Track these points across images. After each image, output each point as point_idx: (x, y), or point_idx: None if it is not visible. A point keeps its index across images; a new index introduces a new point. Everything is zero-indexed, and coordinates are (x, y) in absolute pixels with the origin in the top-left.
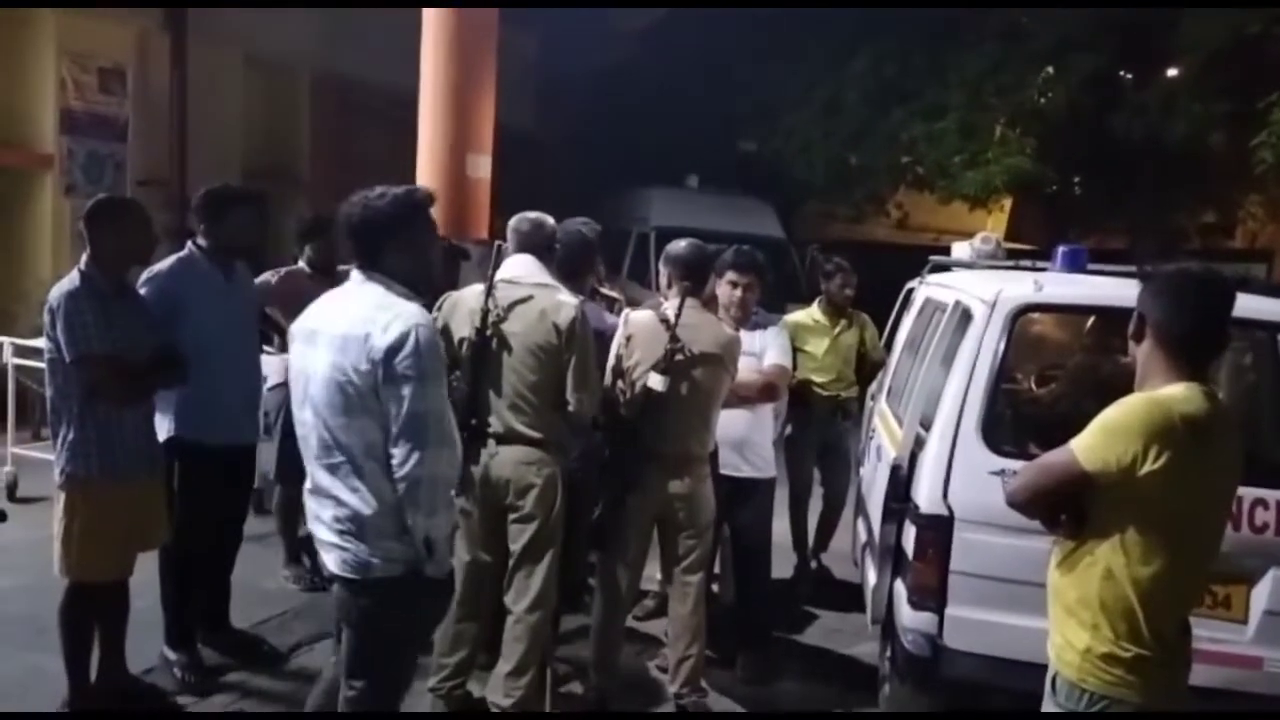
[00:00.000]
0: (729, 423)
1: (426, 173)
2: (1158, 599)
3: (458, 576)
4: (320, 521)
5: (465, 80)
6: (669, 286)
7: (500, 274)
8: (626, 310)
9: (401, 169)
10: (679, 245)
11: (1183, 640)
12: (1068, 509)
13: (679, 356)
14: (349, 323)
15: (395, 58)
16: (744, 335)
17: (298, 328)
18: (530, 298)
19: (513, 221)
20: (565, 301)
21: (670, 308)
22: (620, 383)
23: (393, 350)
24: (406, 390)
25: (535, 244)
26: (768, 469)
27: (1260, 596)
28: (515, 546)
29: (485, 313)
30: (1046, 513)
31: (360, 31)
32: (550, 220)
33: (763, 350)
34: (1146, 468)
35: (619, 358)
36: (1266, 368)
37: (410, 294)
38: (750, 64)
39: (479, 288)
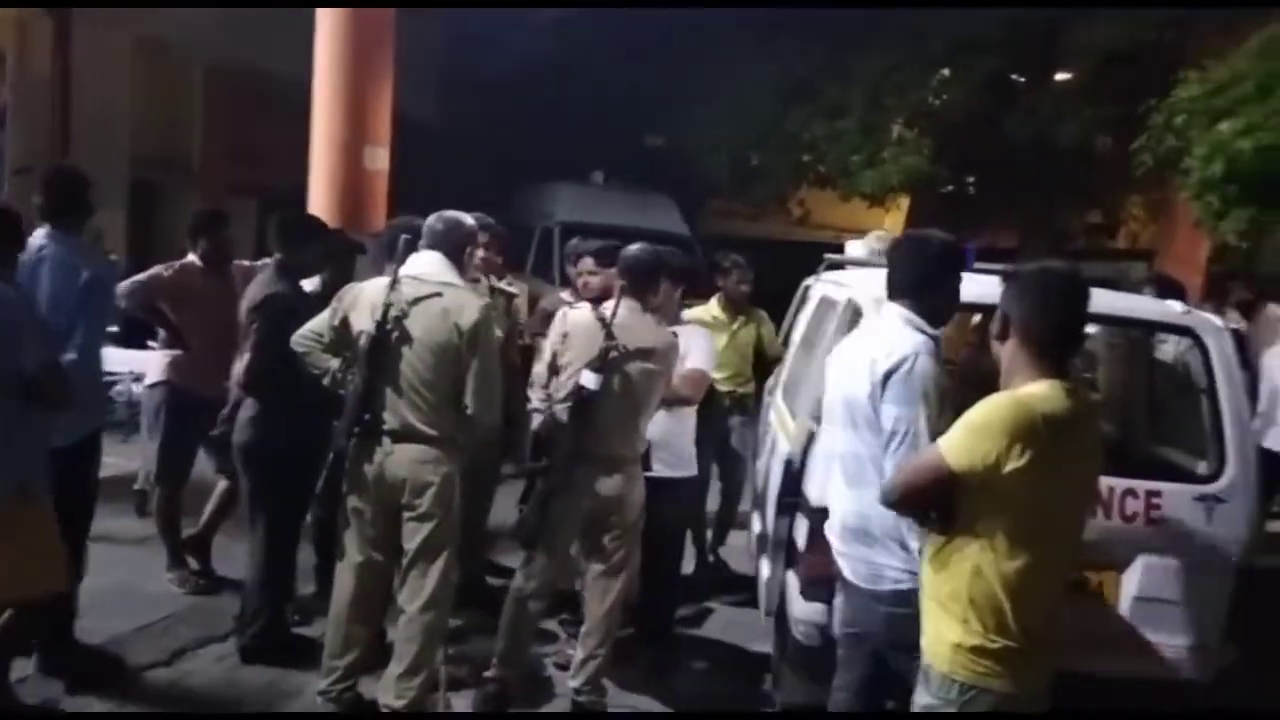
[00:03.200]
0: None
1: (321, 164)
2: (1024, 592)
3: (349, 578)
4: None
5: (361, 71)
6: (618, 284)
7: (405, 269)
8: (565, 307)
9: (299, 160)
10: (632, 249)
11: (1049, 629)
12: (937, 507)
13: (614, 355)
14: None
15: (293, 47)
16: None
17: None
18: (435, 295)
19: (429, 219)
20: (471, 302)
21: (607, 307)
22: (555, 379)
23: (889, 374)
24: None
25: (447, 243)
26: (685, 468)
27: (1130, 583)
28: (410, 545)
29: (387, 307)
30: (917, 511)
31: (258, 19)
32: (469, 221)
33: (686, 352)
34: (1010, 466)
35: (554, 354)
36: (1139, 364)
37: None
38: (658, 61)
39: (381, 281)
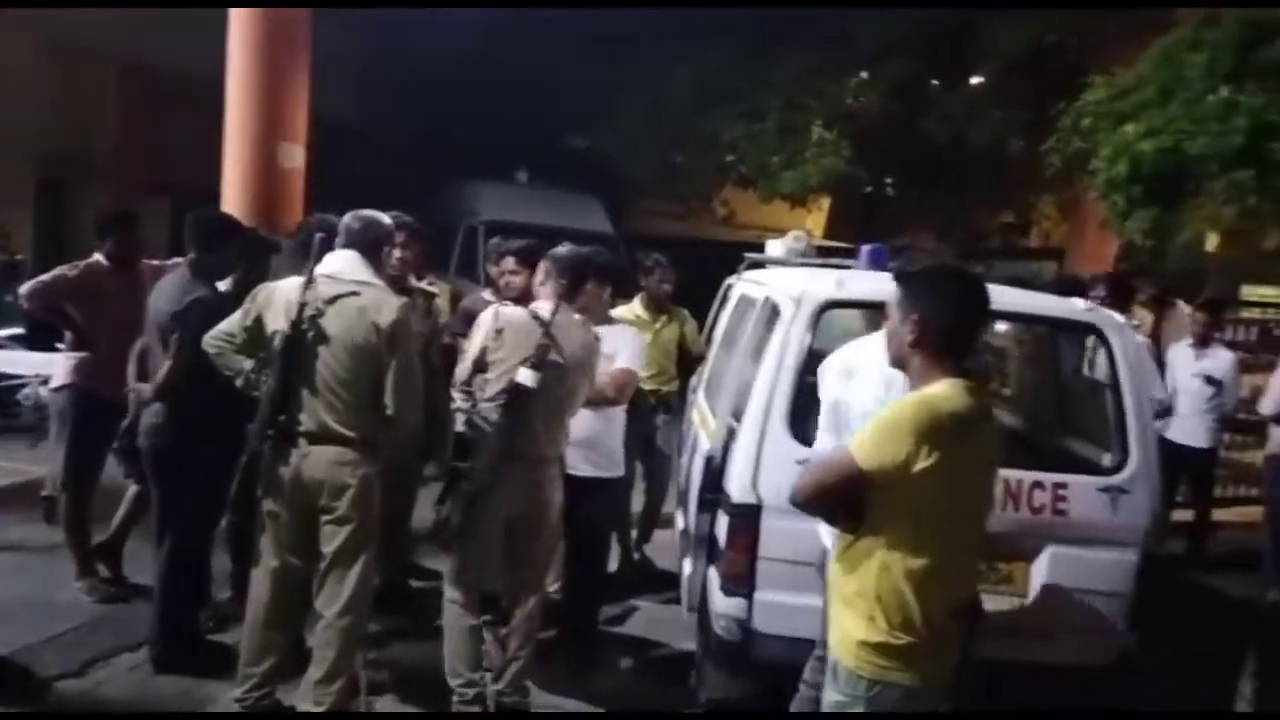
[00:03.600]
0: (575, 423)
1: (235, 162)
2: (929, 589)
3: (264, 583)
4: None
5: (275, 67)
6: (544, 285)
7: (321, 268)
8: (496, 305)
9: (213, 158)
10: (560, 249)
11: (951, 624)
12: (845, 506)
13: (551, 355)
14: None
15: (207, 44)
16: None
17: (836, 365)
18: (351, 294)
19: (345, 218)
20: (389, 302)
21: (542, 306)
22: (480, 377)
23: None
24: None
25: (363, 242)
26: (612, 468)
27: (1039, 572)
28: (328, 549)
29: (301, 306)
30: (826, 510)
31: (171, 17)
32: (386, 220)
33: (615, 352)
34: (919, 465)
35: (484, 350)
36: (1046, 360)
37: None
38: (581, 61)
39: (296, 281)
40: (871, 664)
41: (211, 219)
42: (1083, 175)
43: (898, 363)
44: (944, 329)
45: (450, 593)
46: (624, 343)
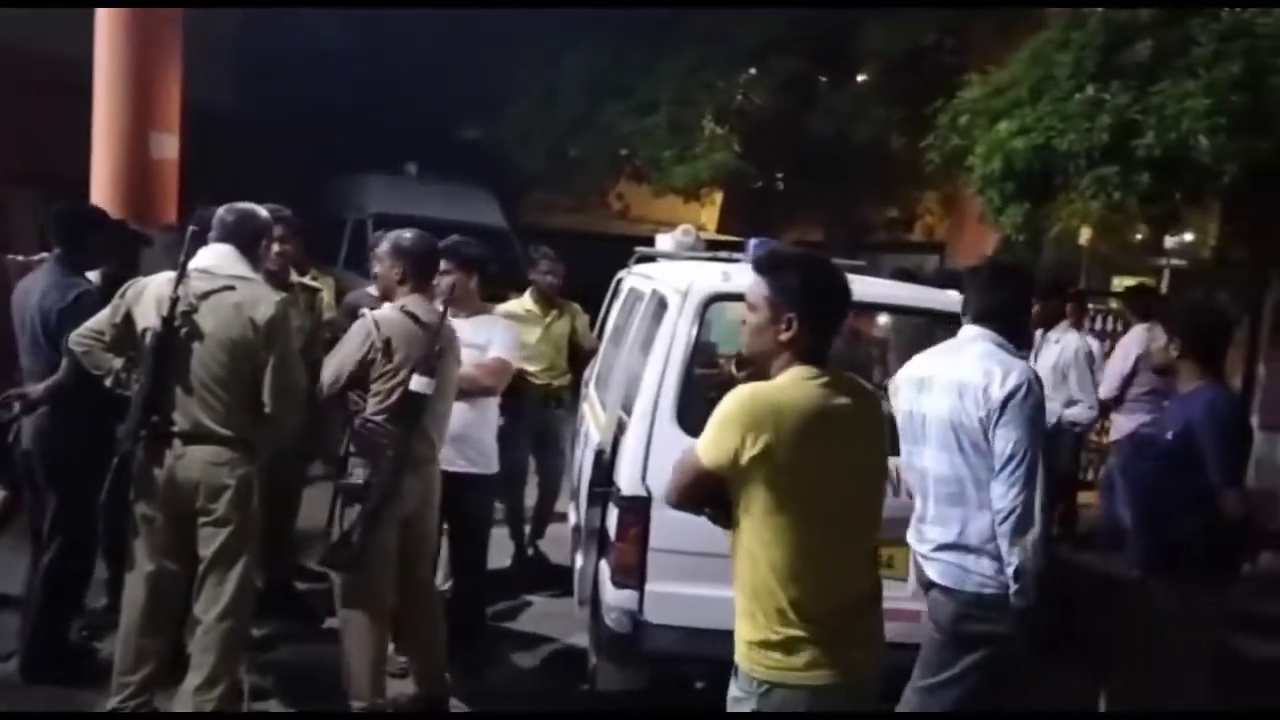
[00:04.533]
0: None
1: (104, 153)
2: (797, 581)
3: (140, 589)
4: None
5: (146, 53)
6: (400, 280)
7: (195, 263)
8: (370, 312)
9: (82, 148)
10: (406, 237)
11: (845, 618)
12: (711, 503)
13: (440, 355)
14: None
15: (75, 28)
16: (469, 325)
17: (907, 377)
18: (226, 289)
19: (220, 210)
20: (266, 297)
21: (418, 306)
22: (376, 386)
23: (1006, 400)
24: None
25: (239, 236)
26: (487, 464)
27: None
28: (206, 552)
29: (174, 302)
30: (695, 509)
31: None
32: (263, 213)
33: (488, 342)
34: (747, 455)
35: (370, 363)
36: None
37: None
38: (472, 51)
39: (168, 275)
40: (760, 664)
41: (76, 211)
42: (960, 171)
43: (761, 358)
44: (817, 325)
45: (353, 614)
46: (497, 333)
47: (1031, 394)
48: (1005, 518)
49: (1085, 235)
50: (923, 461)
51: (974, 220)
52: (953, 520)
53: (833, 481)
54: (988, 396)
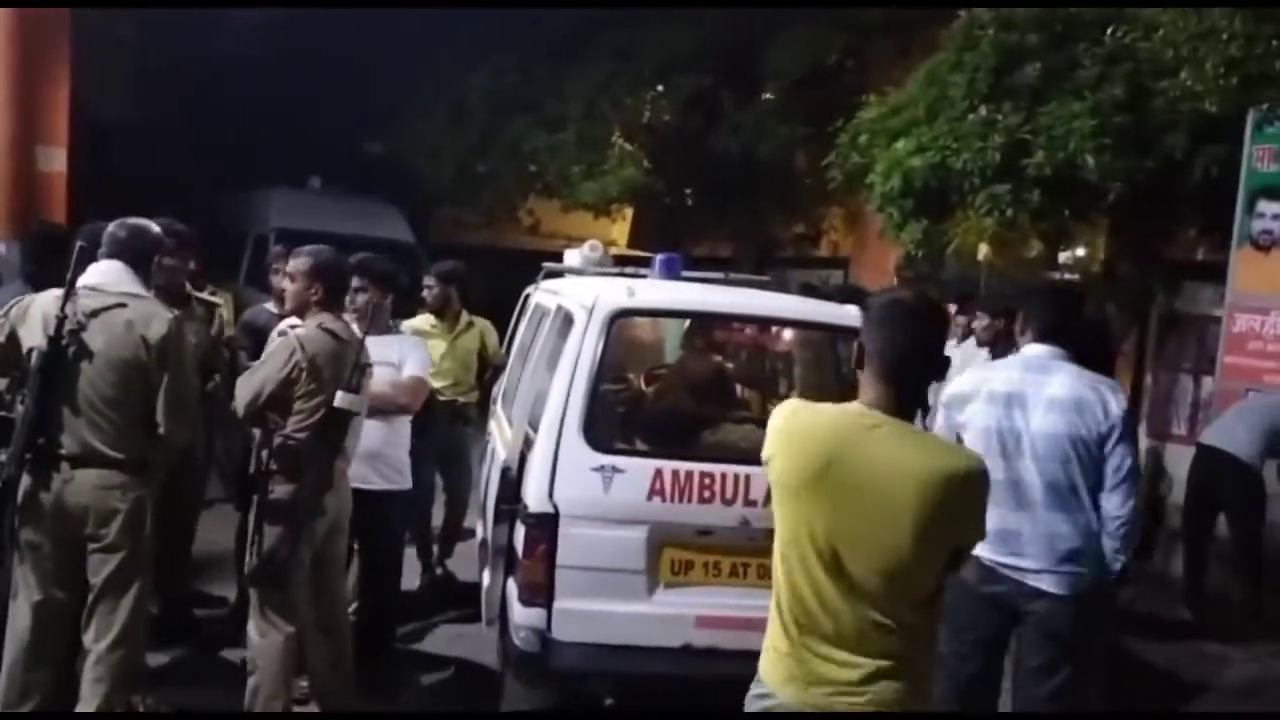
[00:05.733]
0: (363, 434)
1: None
2: (788, 594)
3: (26, 619)
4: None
5: (32, 65)
6: (316, 298)
7: (83, 279)
8: (294, 331)
9: None
10: (322, 253)
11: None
12: None
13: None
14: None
15: None
16: (379, 343)
17: (955, 394)
18: (116, 306)
19: (110, 226)
20: (158, 314)
21: (331, 321)
22: (299, 404)
23: (1123, 417)
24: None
25: (130, 251)
26: (401, 480)
27: None
28: (96, 579)
29: (61, 320)
30: None
31: None
32: (155, 228)
33: (401, 360)
34: (765, 457)
35: (293, 381)
36: (828, 363)
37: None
38: (376, 64)
39: (54, 293)
40: (763, 663)
41: None
42: (862, 189)
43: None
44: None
45: (270, 631)
46: (409, 350)
47: (1128, 410)
48: (1122, 524)
49: (983, 250)
50: (1022, 474)
51: (875, 236)
52: (1061, 525)
53: (826, 519)
54: (1107, 414)
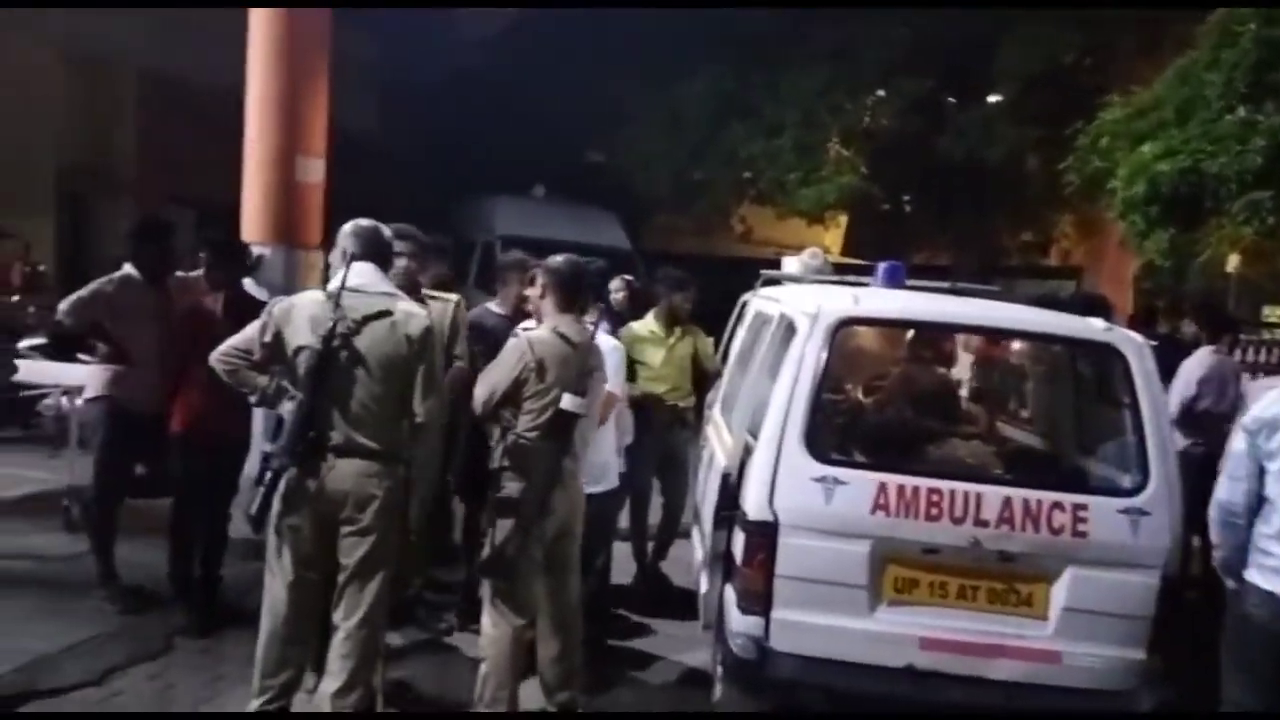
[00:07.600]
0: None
1: (254, 176)
2: None
3: (282, 597)
4: None
5: (295, 79)
6: (544, 298)
7: (347, 282)
8: (525, 333)
9: (232, 171)
10: (559, 260)
11: None
12: None
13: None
14: None
15: (227, 55)
16: None
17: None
18: (381, 308)
19: (348, 228)
20: (416, 312)
21: (565, 325)
22: (529, 404)
23: None
24: None
25: (376, 252)
26: (605, 481)
27: (1059, 594)
28: (348, 560)
29: (334, 324)
30: None
31: (191, 28)
32: (386, 229)
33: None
34: None
35: (523, 382)
36: (1064, 379)
37: None
38: (596, 75)
39: (315, 295)
40: None
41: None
42: (1101, 195)
43: None
44: None
45: (499, 622)
46: (604, 362)
47: None
48: None
49: (1233, 262)
50: None
51: (1114, 245)
52: None
53: None
54: None
